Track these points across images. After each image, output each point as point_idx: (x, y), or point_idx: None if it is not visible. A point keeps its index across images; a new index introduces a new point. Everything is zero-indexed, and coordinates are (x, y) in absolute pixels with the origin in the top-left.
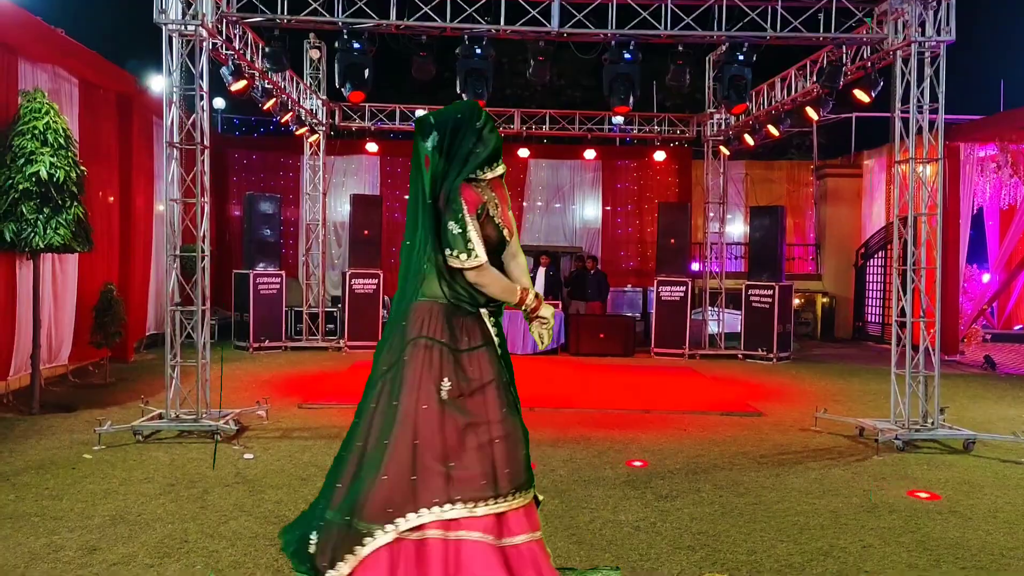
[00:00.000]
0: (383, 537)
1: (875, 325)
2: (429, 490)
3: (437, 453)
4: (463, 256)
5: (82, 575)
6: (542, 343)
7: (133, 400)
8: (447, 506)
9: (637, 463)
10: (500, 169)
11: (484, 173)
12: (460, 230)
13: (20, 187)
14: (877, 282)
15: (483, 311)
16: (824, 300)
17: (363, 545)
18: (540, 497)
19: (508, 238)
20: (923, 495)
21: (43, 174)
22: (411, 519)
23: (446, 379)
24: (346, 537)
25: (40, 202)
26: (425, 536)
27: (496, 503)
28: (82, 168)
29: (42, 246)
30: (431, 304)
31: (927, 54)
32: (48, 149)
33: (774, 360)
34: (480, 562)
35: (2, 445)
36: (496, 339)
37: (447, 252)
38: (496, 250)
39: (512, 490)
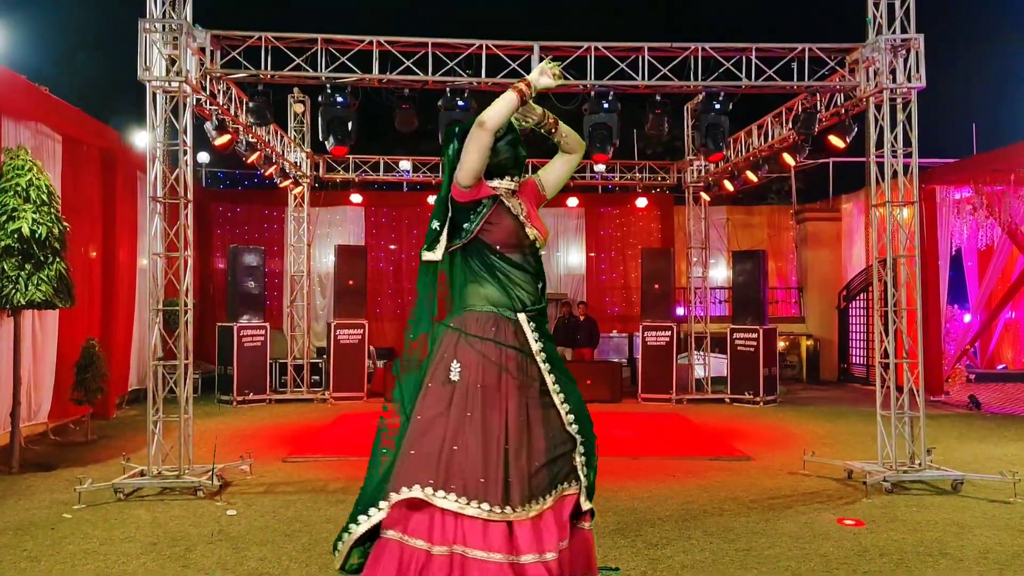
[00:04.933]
0: (377, 514)
1: (860, 367)
2: (424, 469)
3: (436, 434)
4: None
5: None
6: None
7: (114, 457)
8: (440, 492)
9: (849, 521)
10: (508, 183)
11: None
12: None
13: (2, 244)
14: (860, 324)
15: (522, 316)
16: (808, 342)
17: (367, 515)
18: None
19: (533, 236)
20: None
21: (25, 231)
22: (403, 493)
23: (456, 362)
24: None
25: (22, 258)
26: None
27: (493, 510)
28: (65, 224)
29: (23, 302)
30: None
31: (899, 100)
32: (31, 206)
33: (761, 403)
34: None
35: None
36: (540, 351)
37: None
38: (526, 246)
39: (520, 501)
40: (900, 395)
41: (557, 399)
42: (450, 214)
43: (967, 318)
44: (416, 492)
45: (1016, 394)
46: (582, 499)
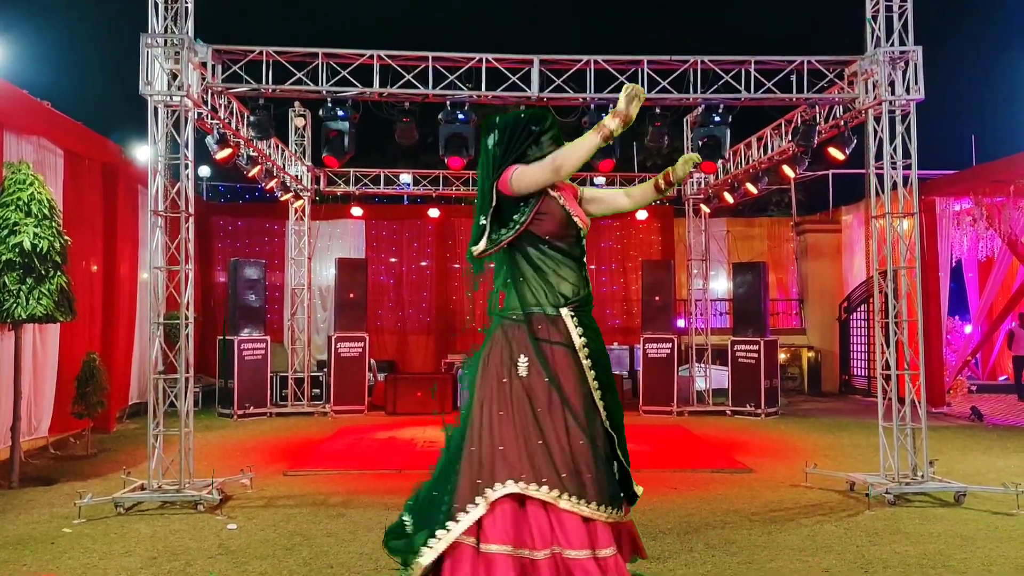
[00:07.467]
0: (475, 511)
1: (861, 378)
2: (508, 465)
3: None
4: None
5: None
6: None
7: (115, 471)
8: (533, 485)
9: None
10: None
11: None
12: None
13: (3, 258)
14: (861, 335)
15: (564, 311)
16: (809, 354)
17: (456, 521)
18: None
19: (580, 224)
20: None
21: (26, 245)
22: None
23: (523, 356)
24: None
25: (23, 272)
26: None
27: (581, 504)
28: (66, 237)
29: (24, 316)
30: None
31: (898, 112)
32: (32, 220)
33: (762, 415)
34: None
35: None
36: (584, 347)
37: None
38: (572, 235)
39: (601, 500)
40: (902, 407)
41: (596, 395)
42: (494, 204)
43: (968, 329)
44: (511, 487)
45: (1018, 405)
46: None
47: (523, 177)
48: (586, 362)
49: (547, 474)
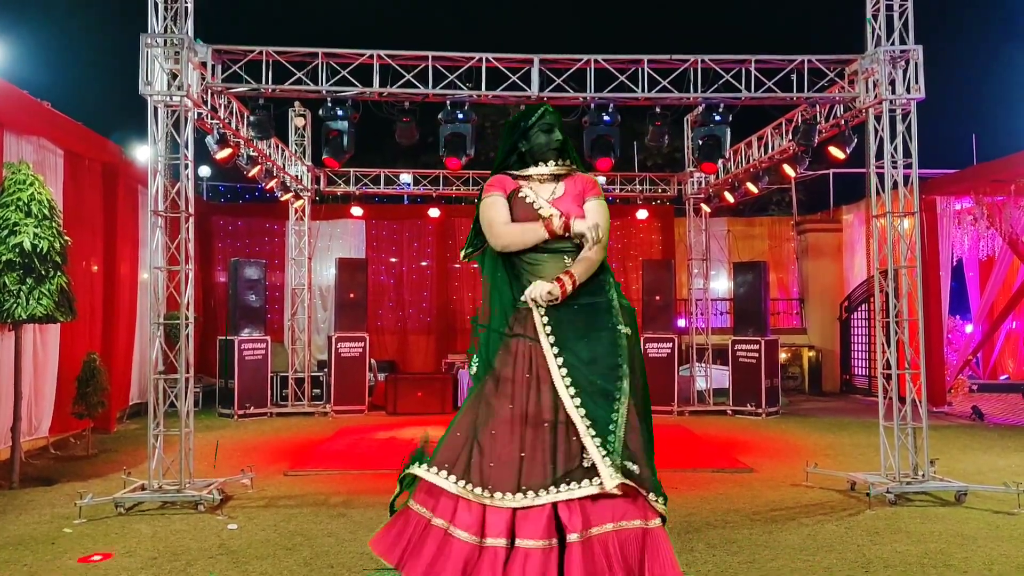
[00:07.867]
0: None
1: (862, 378)
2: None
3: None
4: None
5: None
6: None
7: (115, 471)
8: (442, 473)
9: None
10: (543, 168)
11: (520, 170)
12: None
13: (3, 258)
14: (862, 335)
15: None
16: (810, 354)
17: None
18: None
19: (544, 214)
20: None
21: (27, 245)
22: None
23: (475, 356)
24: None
25: (23, 273)
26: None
27: (475, 490)
28: (66, 238)
29: (24, 317)
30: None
31: (898, 111)
32: (32, 220)
33: (763, 415)
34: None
35: None
36: (549, 335)
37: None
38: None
39: (497, 489)
40: (903, 406)
41: (563, 383)
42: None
43: (969, 328)
44: (413, 468)
45: (1019, 405)
46: (608, 485)
47: (483, 208)
48: (552, 350)
49: (459, 463)
